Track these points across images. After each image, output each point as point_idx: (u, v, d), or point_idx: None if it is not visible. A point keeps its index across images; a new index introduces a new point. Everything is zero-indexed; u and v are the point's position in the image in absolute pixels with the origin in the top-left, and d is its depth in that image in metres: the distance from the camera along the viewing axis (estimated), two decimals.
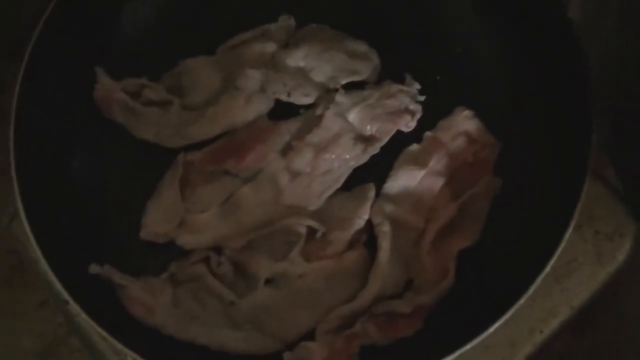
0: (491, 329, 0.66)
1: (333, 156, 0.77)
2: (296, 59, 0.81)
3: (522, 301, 0.67)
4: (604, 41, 0.78)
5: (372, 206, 0.76)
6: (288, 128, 0.79)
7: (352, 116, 0.79)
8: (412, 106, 0.80)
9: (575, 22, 0.76)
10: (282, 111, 0.81)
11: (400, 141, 0.80)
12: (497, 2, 0.84)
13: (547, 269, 0.68)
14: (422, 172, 0.77)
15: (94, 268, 0.72)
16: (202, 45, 0.84)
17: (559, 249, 0.68)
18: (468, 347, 0.65)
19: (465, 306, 0.72)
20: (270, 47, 0.82)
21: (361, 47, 0.83)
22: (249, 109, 0.80)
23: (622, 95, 0.77)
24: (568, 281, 0.79)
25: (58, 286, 0.68)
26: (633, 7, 0.71)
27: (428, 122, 0.81)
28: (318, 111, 0.78)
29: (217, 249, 0.75)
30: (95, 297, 0.71)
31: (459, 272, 0.73)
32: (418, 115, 0.80)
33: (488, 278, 0.73)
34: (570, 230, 0.69)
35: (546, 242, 0.69)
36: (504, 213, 0.76)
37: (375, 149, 0.78)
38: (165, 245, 0.77)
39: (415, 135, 0.80)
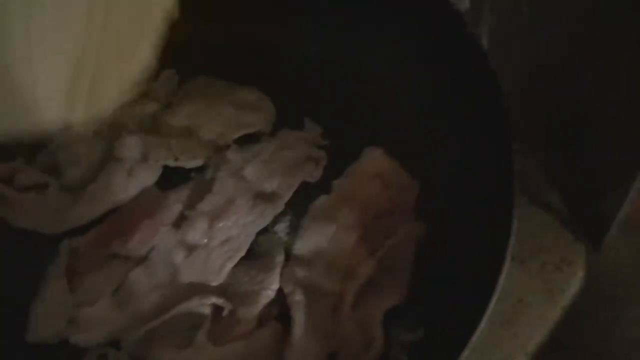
0: None
1: (229, 223, 0.69)
2: (180, 118, 0.74)
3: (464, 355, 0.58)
4: (526, 58, 0.72)
5: (281, 273, 0.68)
6: (179, 197, 0.71)
7: (248, 173, 0.71)
8: (314, 153, 0.73)
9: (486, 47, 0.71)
10: (174, 177, 0.73)
11: (309, 194, 0.73)
12: (398, 32, 0.76)
13: (487, 314, 0.59)
14: (333, 228, 0.69)
15: None
16: None
17: (497, 290, 0.60)
18: None
19: None
20: (151, 107, 0.76)
21: (251, 95, 0.77)
22: (131, 182, 0.72)
23: (552, 108, 0.72)
24: (517, 325, 0.71)
25: None
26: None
27: (337, 168, 0.73)
28: (208, 174, 0.71)
29: (115, 343, 0.67)
30: None
31: (388, 336, 0.65)
32: (323, 163, 0.74)
33: (424, 337, 0.65)
34: (506, 265, 0.60)
35: (483, 286, 0.61)
36: (431, 261, 0.68)
37: (277, 208, 0.71)
38: (57, 346, 0.68)
39: (325, 186, 0.73)
